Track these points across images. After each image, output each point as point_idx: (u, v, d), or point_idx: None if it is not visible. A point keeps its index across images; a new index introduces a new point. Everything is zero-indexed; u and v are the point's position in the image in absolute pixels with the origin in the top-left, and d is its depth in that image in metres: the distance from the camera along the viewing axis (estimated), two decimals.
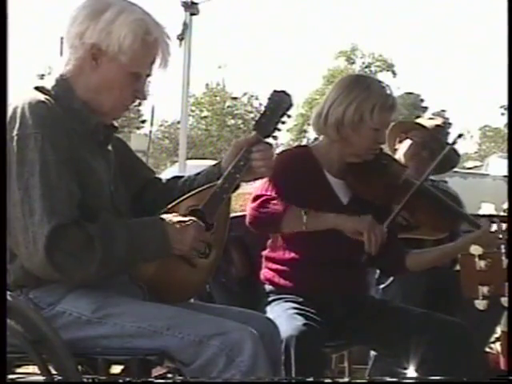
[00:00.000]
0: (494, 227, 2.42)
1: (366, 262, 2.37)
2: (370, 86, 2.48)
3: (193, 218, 1.93)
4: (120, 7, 1.92)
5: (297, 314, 2.32)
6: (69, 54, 1.94)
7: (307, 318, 2.30)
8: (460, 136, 2.80)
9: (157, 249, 1.88)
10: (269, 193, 2.41)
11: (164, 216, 1.93)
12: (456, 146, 3.02)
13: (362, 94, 2.45)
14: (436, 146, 3.24)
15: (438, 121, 3.41)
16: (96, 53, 1.91)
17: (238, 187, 2.10)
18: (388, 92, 2.48)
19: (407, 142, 3.28)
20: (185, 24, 4.36)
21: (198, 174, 2.17)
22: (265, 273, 2.56)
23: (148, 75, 2.01)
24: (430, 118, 3.47)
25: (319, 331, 2.28)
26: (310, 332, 2.22)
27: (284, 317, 2.28)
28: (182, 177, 2.21)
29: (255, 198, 2.40)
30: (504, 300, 1.82)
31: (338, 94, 2.48)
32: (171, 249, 1.89)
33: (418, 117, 3.60)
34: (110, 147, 2.06)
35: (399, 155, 3.24)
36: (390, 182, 2.57)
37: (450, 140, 2.97)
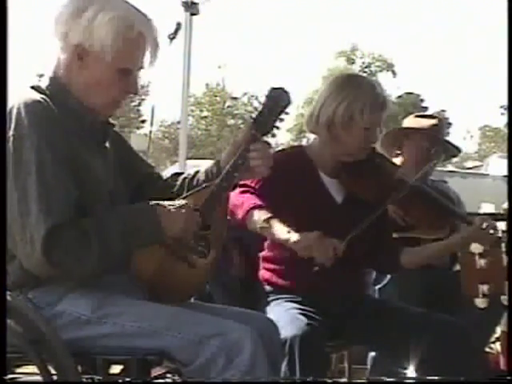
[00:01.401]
0: (486, 224, 2.44)
1: (317, 272, 2.30)
2: (361, 85, 2.49)
3: (183, 201, 1.94)
4: (100, 5, 1.91)
5: (300, 314, 2.32)
6: (58, 53, 1.94)
7: (309, 317, 2.30)
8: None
9: (150, 232, 1.87)
10: (253, 184, 2.40)
11: (154, 202, 1.92)
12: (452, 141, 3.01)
13: (352, 94, 2.45)
14: (439, 145, 3.24)
15: (434, 120, 3.39)
16: (81, 53, 1.91)
17: (236, 186, 2.10)
18: (378, 91, 2.48)
19: (410, 148, 3.27)
20: (178, 24, 4.35)
21: (198, 171, 2.17)
22: (263, 273, 2.56)
23: (139, 69, 1.99)
24: (425, 117, 3.43)
25: (321, 331, 2.28)
26: (313, 332, 2.22)
27: (287, 317, 2.27)
28: (181, 173, 2.21)
29: (240, 186, 2.37)
30: (504, 298, 1.82)
31: (328, 94, 2.49)
32: (164, 231, 1.88)
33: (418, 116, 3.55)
34: (107, 144, 2.06)
35: (404, 161, 3.22)
36: (383, 181, 2.58)
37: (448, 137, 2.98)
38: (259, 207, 2.35)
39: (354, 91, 2.46)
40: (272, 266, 2.53)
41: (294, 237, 2.28)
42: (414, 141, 3.26)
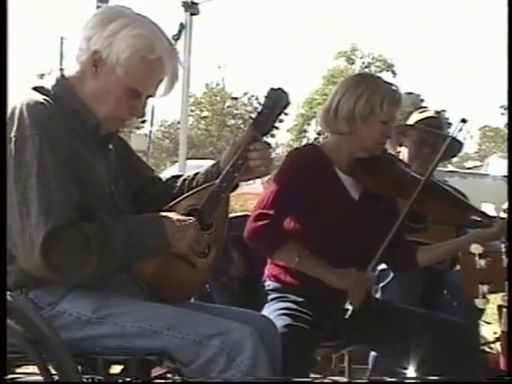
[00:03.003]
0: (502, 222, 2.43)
1: (349, 317, 2.37)
2: (378, 81, 2.54)
3: (192, 217, 1.93)
4: (128, 20, 1.92)
5: (283, 314, 2.32)
6: (76, 55, 1.94)
7: (295, 318, 2.30)
8: (464, 121, 2.70)
9: (154, 245, 1.88)
10: (272, 212, 2.41)
11: (163, 213, 1.93)
12: (459, 134, 2.96)
13: (370, 88, 2.49)
14: (434, 138, 3.24)
15: (430, 112, 3.38)
16: (97, 60, 1.91)
17: (237, 186, 2.10)
18: (394, 87, 2.53)
19: (407, 144, 3.28)
20: (181, 24, 4.35)
21: (197, 173, 2.17)
22: (271, 269, 2.55)
23: (149, 95, 1.98)
24: (421, 112, 3.42)
25: (306, 332, 2.27)
26: (292, 333, 2.21)
27: (271, 317, 2.26)
28: (180, 176, 2.21)
29: (258, 216, 2.41)
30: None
31: (346, 89, 2.52)
32: (169, 246, 1.89)
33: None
34: (110, 146, 2.06)
35: (403, 158, 3.22)
36: (398, 177, 2.60)
37: (451, 129, 2.93)
38: (286, 244, 2.41)
39: (373, 85, 2.50)
40: (282, 263, 2.52)
41: (332, 277, 2.39)
42: (411, 136, 3.28)
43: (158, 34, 1.95)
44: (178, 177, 2.20)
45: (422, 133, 3.24)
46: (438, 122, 3.35)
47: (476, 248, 1.85)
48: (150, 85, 1.96)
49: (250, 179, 2.20)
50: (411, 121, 3.37)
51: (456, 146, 3.24)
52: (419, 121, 3.32)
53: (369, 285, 2.38)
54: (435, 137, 3.24)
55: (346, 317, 2.35)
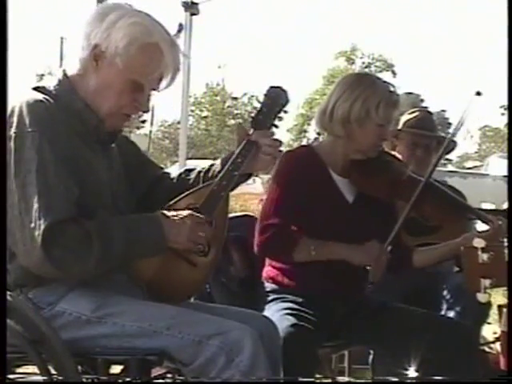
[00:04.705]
0: (501, 222, 2.42)
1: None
2: (375, 83, 2.50)
3: (189, 211, 1.93)
4: (124, 11, 1.93)
5: (288, 314, 2.31)
6: (76, 54, 1.93)
7: (299, 318, 2.30)
8: (479, 94, 2.58)
9: (153, 243, 1.87)
10: (276, 220, 2.41)
11: (160, 211, 1.92)
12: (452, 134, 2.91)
13: (367, 90, 2.46)
14: (427, 139, 3.23)
15: (419, 112, 3.35)
16: (97, 53, 1.90)
17: (248, 177, 2.09)
18: (392, 89, 2.50)
19: (400, 147, 3.26)
20: (180, 25, 4.35)
21: (213, 164, 2.15)
22: (268, 271, 2.55)
23: (153, 88, 1.97)
24: (410, 113, 3.39)
25: (311, 332, 2.27)
26: (299, 333, 2.22)
27: (275, 317, 2.27)
28: (194, 169, 2.19)
29: (264, 228, 2.41)
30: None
31: (342, 91, 2.49)
32: (168, 242, 1.88)
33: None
34: (114, 146, 2.05)
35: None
36: (394, 178, 2.57)
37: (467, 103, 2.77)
38: (299, 241, 2.40)
39: (369, 88, 2.47)
40: (279, 265, 2.52)
41: (355, 255, 2.39)
42: (403, 140, 3.27)
43: (154, 23, 1.94)
44: (191, 170, 2.19)
45: (414, 135, 3.23)
46: (427, 122, 3.33)
47: (478, 242, 1.84)
48: (149, 74, 1.94)
49: (256, 170, 2.15)
50: (402, 123, 3.34)
51: (450, 143, 3.24)
52: (408, 121, 3.31)
53: (388, 258, 2.39)
54: (427, 138, 3.23)
55: (369, 286, 2.40)
